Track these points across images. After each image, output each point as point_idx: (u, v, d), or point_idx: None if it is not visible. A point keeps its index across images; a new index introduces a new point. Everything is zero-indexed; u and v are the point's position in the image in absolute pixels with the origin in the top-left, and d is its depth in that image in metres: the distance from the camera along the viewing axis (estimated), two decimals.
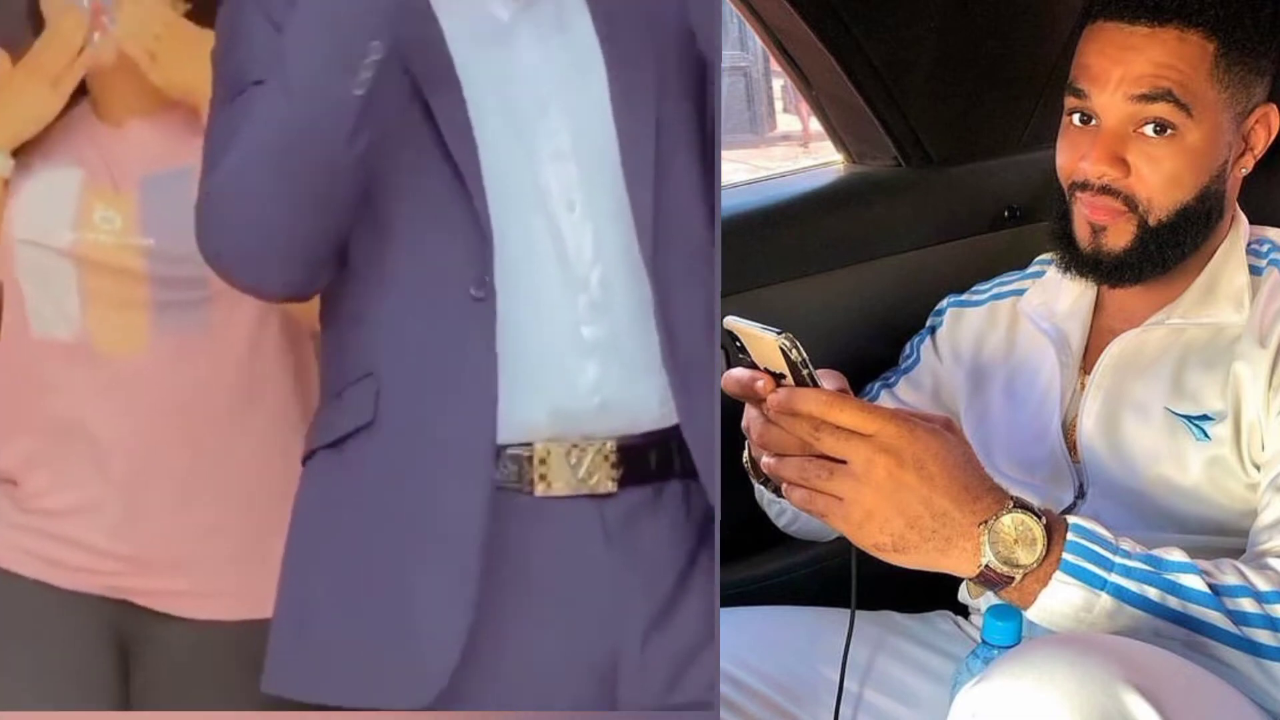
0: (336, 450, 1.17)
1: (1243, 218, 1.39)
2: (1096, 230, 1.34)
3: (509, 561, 1.14)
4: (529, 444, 1.15)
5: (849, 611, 1.29)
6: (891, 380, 1.59)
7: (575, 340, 1.16)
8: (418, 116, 1.14)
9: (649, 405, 1.18)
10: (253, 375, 1.39)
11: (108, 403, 1.35)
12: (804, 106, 2.48)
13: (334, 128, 1.08)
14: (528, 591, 1.15)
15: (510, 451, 1.15)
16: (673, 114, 1.20)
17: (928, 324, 1.60)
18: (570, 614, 1.16)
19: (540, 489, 1.16)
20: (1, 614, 1.38)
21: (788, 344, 1.07)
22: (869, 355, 1.67)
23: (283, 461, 1.32)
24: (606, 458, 1.17)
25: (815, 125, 2.28)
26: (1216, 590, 1.10)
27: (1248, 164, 1.36)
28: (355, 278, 1.17)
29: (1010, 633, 1.17)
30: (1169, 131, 1.29)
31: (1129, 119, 1.30)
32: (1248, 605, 1.10)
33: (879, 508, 1.06)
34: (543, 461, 1.15)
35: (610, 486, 1.17)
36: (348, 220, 1.14)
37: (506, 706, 1.14)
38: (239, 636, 1.36)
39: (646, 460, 1.18)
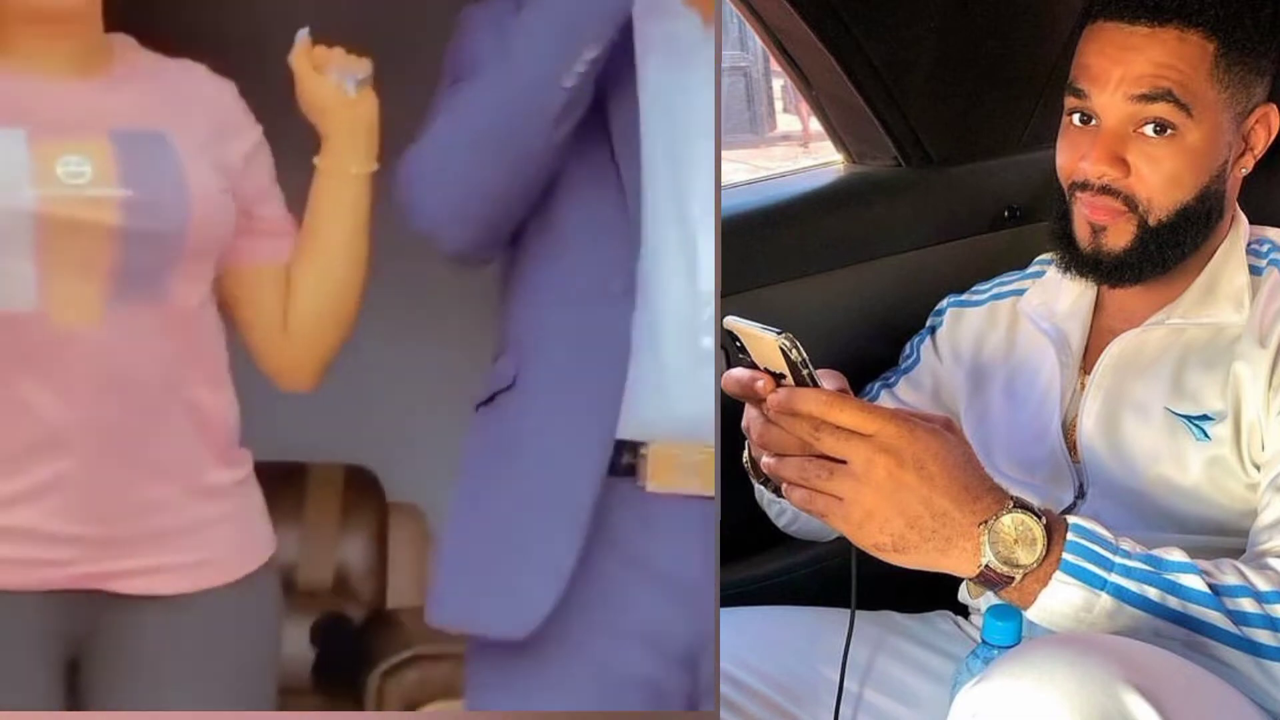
0: (490, 406, 1.31)
1: (1243, 218, 1.39)
2: (1096, 230, 1.34)
3: (613, 542, 1.26)
4: (645, 442, 1.26)
5: (849, 611, 1.29)
6: (891, 380, 1.59)
7: (695, 350, 1.25)
8: (597, 122, 1.25)
9: None
10: (192, 349, 1.33)
11: (57, 379, 1.26)
12: (804, 106, 2.48)
13: (542, 114, 1.22)
14: (624, 575, 1.26)
15: (627, 445, 1.26)
16: None
17: (928, 324, 1.60)
18: (661, 604, 1.26)
19: (651, 485, 1.26)
20: None
21: (788, 344, 1.08)
22: (869, 355, 1.67)
23: (222, 431, 1.35)
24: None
25: (815, 125, 2.28)
26: (1216, 590, 1.10)
27: (1248, 164, 1.36)
28: (517, 255, 1.30)
29: (1010, 633, 1.17)
30: (1169, 131, 1.29)
31: (1129, 119, 1.30)
32: (1248, 605, 1.10)
33: (879, 508, 1.06)
34: (655, 460, 1.26)
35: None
36: (532, 199, 1.26)
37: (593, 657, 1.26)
38: (202, 608, 1.33)
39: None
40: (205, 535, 1.33)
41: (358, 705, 2.06)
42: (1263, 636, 1.09)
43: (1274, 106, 1.34)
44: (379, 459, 2.12)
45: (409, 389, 2.05)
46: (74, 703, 1.32)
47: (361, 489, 2.19)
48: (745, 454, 1.36)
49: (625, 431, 1.25)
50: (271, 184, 1.39)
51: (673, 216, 1.26)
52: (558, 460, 1.25)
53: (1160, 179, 1.30)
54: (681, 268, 1.26)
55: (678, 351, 1.25)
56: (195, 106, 1.34)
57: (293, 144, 1.36)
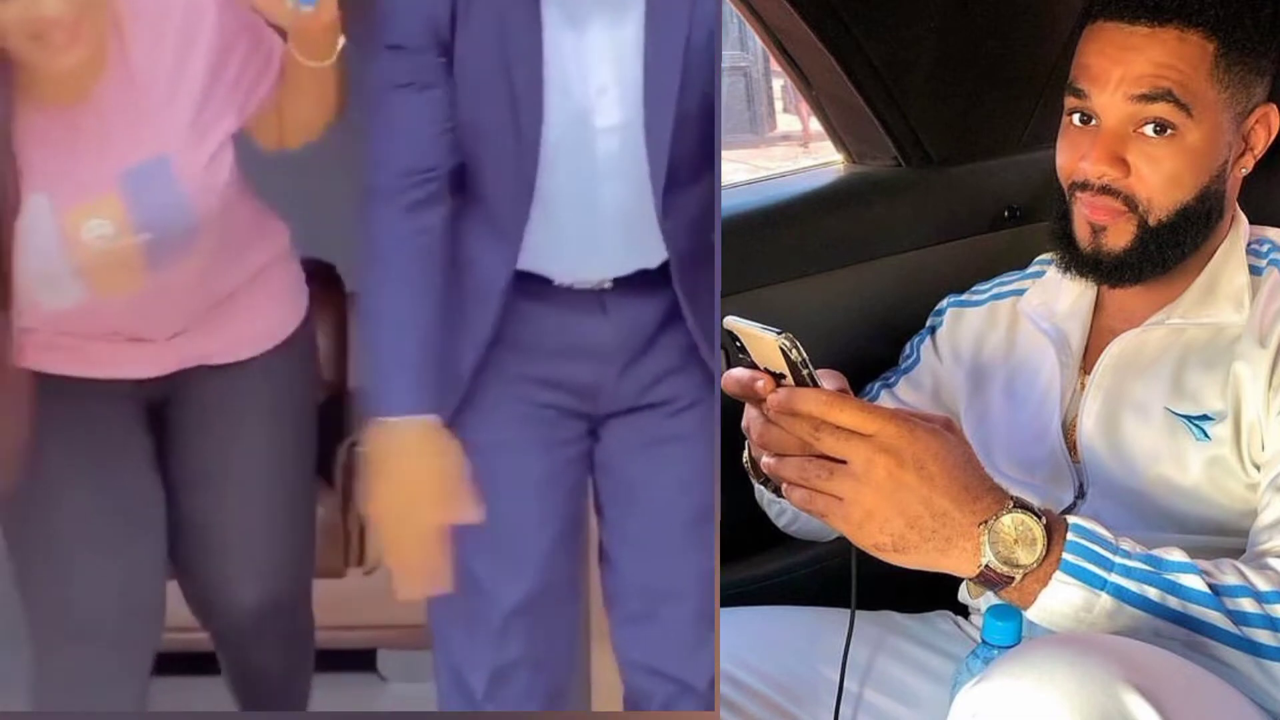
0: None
1: (1243, 218, 1.39)
2: (1096, 230, 1.34)
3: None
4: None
5: (849, 611, 1.29)
6: (891, 380, 1.59)
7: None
8: (504, 88, 1.36)
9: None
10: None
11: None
12: (804, 106, 2.48)
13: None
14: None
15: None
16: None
17: (928, 324, 1.60)
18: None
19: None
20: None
21: (788, 344, 1.08)
22: (869, 355, 1.67)
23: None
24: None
25: (815, 125, 2.28)
26: (1216, 590, 1.10)
27: (1248, 164, 1.36)
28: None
29: (1010, 633, 1.17)
30: (1169, 131, 1.29)
31: (1129, 119, 1.30)
32: (1248, 605, 1.10)
33: (879, 508, 1.06)
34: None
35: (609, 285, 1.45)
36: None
37: None
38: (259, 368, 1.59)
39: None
40: (255, 306, 1.58)
41: (327, 476, 2.38)
42: (1263, 636, 1.09)
43: (1274, 106, 1.34)
44: (339, 254, 2.29)
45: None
46: (161, 438, 1.60)
47: (324, 281, 2.46)
48: (745, 454, 1.36)
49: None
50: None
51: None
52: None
53: (1160, 179, 1.30)
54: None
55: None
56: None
57: None
